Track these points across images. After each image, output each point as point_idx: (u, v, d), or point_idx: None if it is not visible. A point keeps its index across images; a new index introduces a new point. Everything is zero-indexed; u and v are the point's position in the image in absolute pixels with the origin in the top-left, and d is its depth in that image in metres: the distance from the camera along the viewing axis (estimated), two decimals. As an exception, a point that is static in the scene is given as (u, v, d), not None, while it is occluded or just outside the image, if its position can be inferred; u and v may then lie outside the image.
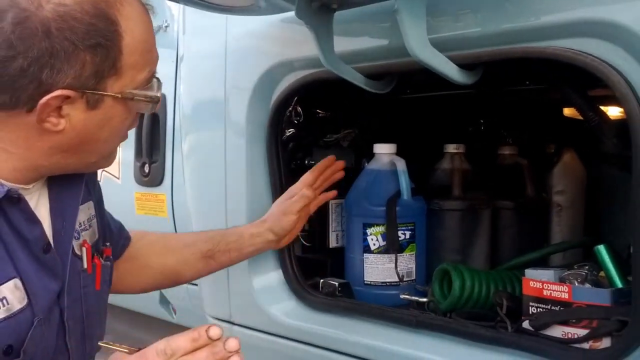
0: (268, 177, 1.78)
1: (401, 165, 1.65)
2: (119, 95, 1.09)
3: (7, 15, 0.99)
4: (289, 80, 1.68)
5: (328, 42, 1.42)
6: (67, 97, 1.04)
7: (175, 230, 2.58)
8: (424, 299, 1.56)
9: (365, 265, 1.65)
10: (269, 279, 1.83)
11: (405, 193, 1.63)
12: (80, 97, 1.06)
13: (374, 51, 1.49)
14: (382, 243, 1.62)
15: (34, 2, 1.00)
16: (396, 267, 1.61)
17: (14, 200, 1.09)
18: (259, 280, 1.83)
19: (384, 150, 1.69)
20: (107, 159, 1.22)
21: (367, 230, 1.63)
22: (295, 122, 1.78)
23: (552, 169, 1.84)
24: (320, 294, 1.71)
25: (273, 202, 1.77)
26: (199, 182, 2.01)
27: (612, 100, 1.24)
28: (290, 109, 1.76)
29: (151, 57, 1.14)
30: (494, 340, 1.37)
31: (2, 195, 1.06)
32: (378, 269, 1.64)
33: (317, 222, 1.82)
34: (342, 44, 1.46)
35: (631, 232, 1.17)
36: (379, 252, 1.63)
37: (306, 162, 1.88)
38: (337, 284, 1.70)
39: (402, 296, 1.59)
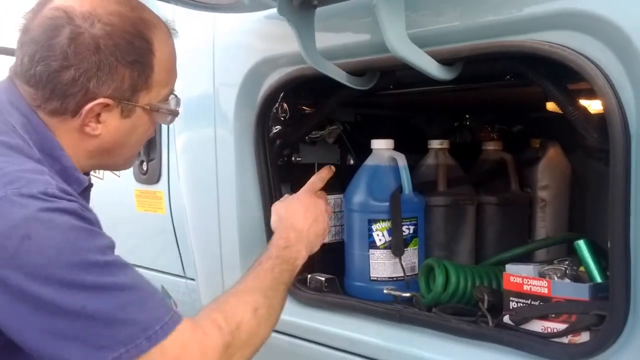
0: (256, 173, 1.74)
1: (401, 160, 1.60)
2: (148, 107, 1.21)
3: (64, 31, 1.10)
4: (274, 77, 1.64)
5: (309, 38, 1.38)
6: (107, 105, 1.15)
7: (173, 226, 2.54)
8: (408, 294, 1.51)
9: (371, 261, 1.59)
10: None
11: (407, 188, 1.59)
12: (116, 106, 1.16)
13: (355, 47, 1.45)
14: (388, 239, 1.57)
15: (87, 20, 1.11)
16: (401, 261, 1.56)
17: (89, 188, 1.24)
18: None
19: (382, 146, 1.64)
20: (130, 161, 1.34)
21: (372, 226, 1.58)
22: (282, 119, 1.74)
23: (537, 164, 1.79)
24: (307, 289, 1.67)
25: (262, 199, 1.73)
26: (193, 179, 1.99)
27: (594, 94, 1.20)
28: (276, 105, 1.72)
29: (174, 76, 1.26)
30: (475, 335, 1.34)
31: (87, 184, 1.21)
32: (385, 264, 1.58)
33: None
34: (324, 40, 1.42)
35: (609, 227, 1.12)
36: (384, 248, 1.57)
37: (293, 159, 1.84)
38: (323, 279, 1.67)
39: (385, 291, 1.55)
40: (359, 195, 1.62)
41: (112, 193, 2.52)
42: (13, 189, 0.99)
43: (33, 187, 1.00)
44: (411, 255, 1.59)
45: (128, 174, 2.71)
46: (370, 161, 1.65)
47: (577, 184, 1.85)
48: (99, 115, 1.16)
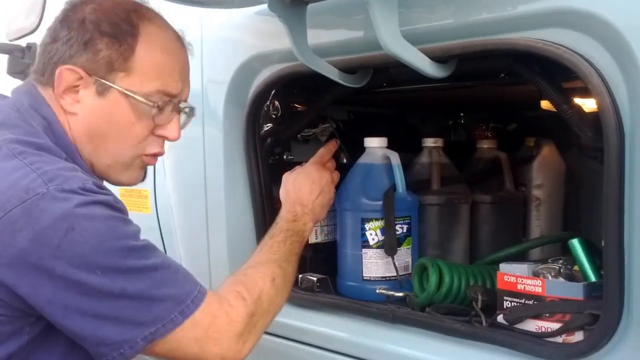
0: (246, 173, 1.75)
1: (395, 158, 1.61)
2: (125, 92, 1.22)
3: (62, 12, 1.24)
4: (265, 74, 1.65)
5: (301, 35, 1.38)
6: (80, 78, 1.20)
7: (159, 226, 2.54)
8: (401, 294, 1.53)
9: (364, 260, 1.60)
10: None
11: (401, 187, 1.60)
12: (92, 83, 1.20)
13: (348, 44, 1.46)
14: (381, 238, 1.58)
15: (84, 3, 1.23)
16: (394, 260, 1.57)
17: None
18: (240, 275, 1.80)
19: (376, 144, 1.65)
20: (122, 168, 1.30)
21: (365, 225, 1.59)
22: (273, 116, 1.75)
23: (531, 163, 1.81)
24: (299, 289, 1.68)
25: (251, 198, 1.74)
26: (180, 178, 1.99)
27: (588, 92, 1.22)
28: (267, 103, 1.73)
29: (167, 78, 1.26)
30: (469, 335, 1.35)
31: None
32: (377, 264, 1.59)
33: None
34: (316, 37, 1.42)
35: (603, 226, 1.14)
36: (378, 247, 1.59)
37: (285, 157, 1.85)
38: (315, 279, 1.67)
39: (378, 291, 1.56)
40: (351, 194, 1.63)
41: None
42: (55, 186, 1.06)
43: (73, 183, 1.09)
44: (404, 254, 1.60)
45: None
46: (363, 159, 1.66)
47: (571, 183, 1.86)
48: (77, 91, 1.22)
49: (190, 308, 1.13)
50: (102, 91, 1.22)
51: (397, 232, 1.58)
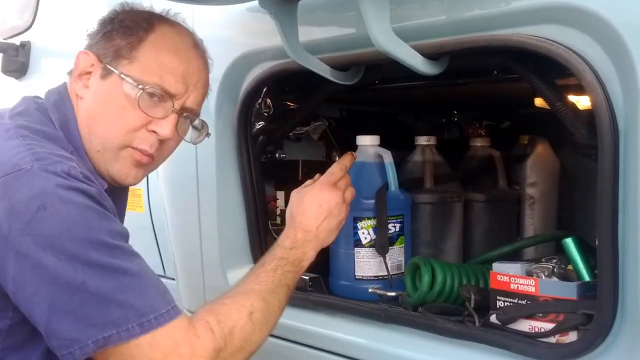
0: (237, 171, 1.73)
1: (387, 157, 1.59)
2: (122, 75, 1.25)
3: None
4: (256, 72, 1.63)
5: (292, 31, 1.37)
6: (92, 64, 1.27)
7: (153, 225, 2.52)
8: (393, 293, 1.51)
9: (356, 259, 1.58)
10: (242, 274, 1.77)
11: (393, 185, 1.58)
12: (99, 68, 1.27)
13: (340, 41, 1.44)
14: (374, 237, 1.56)
15: (122, 12, 1.34)
16: (385, 260, 1.55)
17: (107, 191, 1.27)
18: (233, 275, 1.78)
19: (368, 142, 1.63)
20: (111, 157, 1.27)
21: (357, 224, 1.57)
22: (265, 114, 1.73)
23: (525, 161, 1.79)
24: (291, 289, 1.66)
25: (243, 196, 1.72)
26: (172, 177, 1.96)
27: (582, 90, 1.20)
28: (259, 101, 1.71)
29: (167, 76, 1.27)
30: (461, 335, 1.33)
31: (106, 187, 1.26)
32: (370, 263, 1.57)
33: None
34: (307, 34, 1.41)
35: (597, 225, 1.12)
36: (370, 246, 1.57)
37: (277, 155, 1.83)
38: (307, 278, 1.65)
39: (370, 290, 1.54)
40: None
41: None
42: (39, 165, 1.07)
43: (58, 166, 1.09)
44: (397, 253, 1.59)
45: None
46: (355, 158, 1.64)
47: (566, 181, 1.84)
48: (89, 75, 1.28)
49: (151, 324, 1.06)
50: (105, 75, 1.27)
51: (390, 231, 1.56)
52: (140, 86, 1.25)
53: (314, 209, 1.40)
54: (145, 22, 1.29)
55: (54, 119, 1.24)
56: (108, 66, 1.26)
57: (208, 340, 1.11)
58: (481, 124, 1.96)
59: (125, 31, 1.28)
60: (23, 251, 1.03)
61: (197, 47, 1.35)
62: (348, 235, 1.58)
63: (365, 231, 1.57)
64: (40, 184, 1.05)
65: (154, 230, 2.42)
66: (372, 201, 1.57)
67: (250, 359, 1.20)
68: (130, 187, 2.69)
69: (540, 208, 1.80)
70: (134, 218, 2.58)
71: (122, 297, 1.05)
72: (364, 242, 1.57)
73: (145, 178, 2.51)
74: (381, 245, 1.55)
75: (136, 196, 2.62)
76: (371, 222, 1.57)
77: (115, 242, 1.08)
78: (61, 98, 1.30)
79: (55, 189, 1.05)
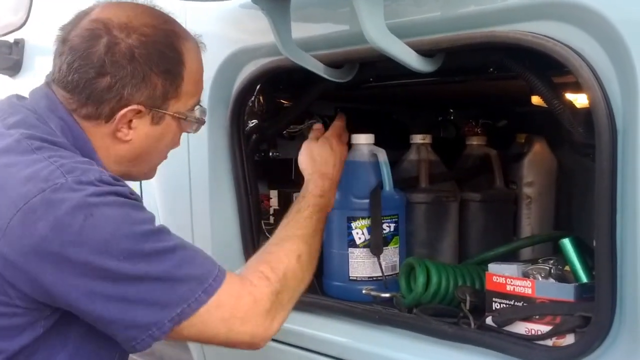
0: (230, 171, 1.70)
1: (382, 156, 1.56)
2: (177, 115, 1.27)
3: (102, 41, 1.18)
4: (249, 69, 1.60)
5: (285, 28, 1.34)
6: (139, 112, 1.22)
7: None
8: (387, 295, 1.48)
9: (350, 260, 1.54)
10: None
11: (388, 185, 1.55)
12: (148, 113, 1.24)
13: (333, 38, 1.41)
14: (368, 237, 1.53)
15: (124, 31, 1.19)
16: (379, 260, 1.52)
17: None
18: (225, 274, 1.75)
19: (362, 141, 1.60)
20: (154, 171, 1.39)
21: (351, 224, 1.54)
22: (258, 112, 1.70)
23: (522, 160, 1.77)
24: (284, 289, 1.63)
25: (236, 195, 1.69)
26: (164, 177, 1.92)
27: (579, 88, 1.17)
28: (252, 99, 1.67)
29: (201, 87, 1.33)
30: (456, 337, 1.31)
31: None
32: (364, 263, 1.54)
33: (281, 215, 1.74)
34: (300, 30, 1.38)
35: (594, 225, 1.10)
36: (364, 246, 1.53)
37: (270, 154, 1.80)
38: (300, 278, 1.62)
39: (364, 291, 1.52)
40: (338, 192, 1.57)
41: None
42: (72, 177, 1.09)
43: (90, 174, 1.11)
44: (392, 254, 1.55)
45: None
46: (350, 157, 1.60)
47: (563, 180, 1.82)
48: (130, 121, 1.23)
49: (213, 286, 1.13)
50: (157, 120, 1.26)
51: (384, 231, 1.53)
52: (197, 120, 1.32)
53: (332, 158, 1.52)
54: (171, 51, 1.23)
55: (53, 126, 1.22)
56: (159, 111, 1.25)
57: (265, 286, 1.20)
58: (477, 122, 1.93)
59: (165, 75, 1.22)
60: (81, 260, 1.06)
61: (197, 44, 1.32)
62: (342, 235, 1.55)
63: (360, 231, 1.54)
64: (79, 195, 1.07)
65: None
66: (366, 201, 1.54)
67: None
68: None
69: (537, 208, 1.78)
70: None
71: (182, 273, 1.11)
72: (358, 242, 1.54)
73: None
74: (376, 246, 1.52)
75: (131, 195, 2.60)
76: (365, 222, 1.53)
77: (156, 227, 1.14)
78: (51, 102, 1.23)
79: (93, 197, 1.08)
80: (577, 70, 1.09)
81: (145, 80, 1.20)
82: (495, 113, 2.04)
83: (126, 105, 1.21)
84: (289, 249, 1.31)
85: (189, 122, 1.31)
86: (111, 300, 1.08)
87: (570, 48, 1.09)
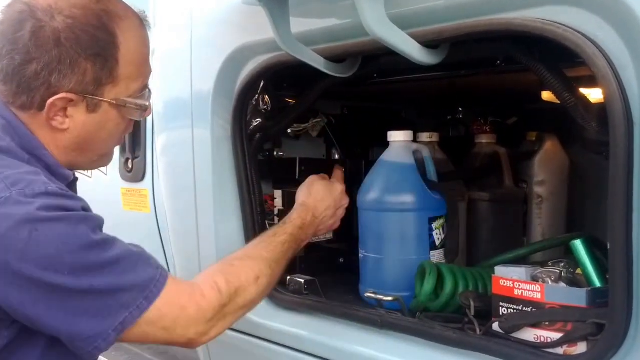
0: (234, 170, 1.61)
1: (426, 151, 1.49)
2: (114, 102, 1.18)
3: (27, 25, 1.10)
4: (252, 66, 1.51)
5: (284, 22, 1.26)
6: (71, 100, 1.14)
7: (158, 226, 2.42)
8: (389, 298, 1.37)
9: None
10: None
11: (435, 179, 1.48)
12: (81, 101, 1.15)
13: (333, 31, 1.32)
14: (442, 236, 1.44)
15: (49, 13, 1.10)
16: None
17: (74, 182, 1.26)
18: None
19: (401, 138, 1.49)
20: (105, 158, 1.30)
21: (432, 225, 1.42)
22: (262, 111, 1.60)
23: (533, 158, 1.65)
24: (287, 292, 1.54)
25: (239, 196, 1.60)
26: (171, 176, 1.86)
27: (592, 80, 1.06)
28: (256, 97, 1.58)
29: (145, 70, 1.22)
30: (461, 343, 1.20)
31: (72, 178, 1.24)
32: None
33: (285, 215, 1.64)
34: (300, 25, 1.29)
35: (608, 226, 0.98)
36: (441, 247, 1.43)
37: (275, 153, 1.71)
38: (303, 281, 1.53)
39: (366, 294, 1.41)
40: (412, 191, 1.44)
41: (100, 192, 2.41)
42: (17, 190, 1.04)
43: (35, 187, 1.06)
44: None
45: (114, 172, 2.60)
46: (389, 158, 1.49)
47: (575, 179, 1.72)
48: (65, 109, 1.15)
49: (154, 293, 1.10)
50: (93, 108, 1.17)
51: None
52: (139, 106, 1.22)
53: (328, 201, 1.48)
54: (103, 33, 1.13)
55: None
56: (93, 97, 1.15)
57: (214, 298, 1.16)
58: (486, 120, 1.82)
59: (96, 59, 1.12)
60: (26, 275, 1.02)
61: (141, 21, 1.22)
62: (423, 239, 1.43)
63: (439, 231, 1.45)
64: (24, 210, 1.02)
65: (159, 231, 2.33)
66: (442, 199, 1.45)
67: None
68: (136, 188, 2.61)
69: (548, 208, 1.67)
70: (141, 218, 2.51)
71: (124, 282, 1.08)
72: (437, 243, 1.44)
73: (151, 179, 2.45)
74: (451, 250, 1.45)
75: (142, 196, 2.53)
76: (442, 221, 1.45)
77: (100, 237, 1.09)
78: None
79: (39, 212, 1.03)
80: (590, 59, 0.98)
81: (73, 65, 1.11)
82: (504, 110, 1.93)
83: (55, 93, 1.12)
84: (250, 268, 1.25)
85: (128, 108, 1.20)
86: (58, 314, 1.05)
87: (583, 35, 0.99)
